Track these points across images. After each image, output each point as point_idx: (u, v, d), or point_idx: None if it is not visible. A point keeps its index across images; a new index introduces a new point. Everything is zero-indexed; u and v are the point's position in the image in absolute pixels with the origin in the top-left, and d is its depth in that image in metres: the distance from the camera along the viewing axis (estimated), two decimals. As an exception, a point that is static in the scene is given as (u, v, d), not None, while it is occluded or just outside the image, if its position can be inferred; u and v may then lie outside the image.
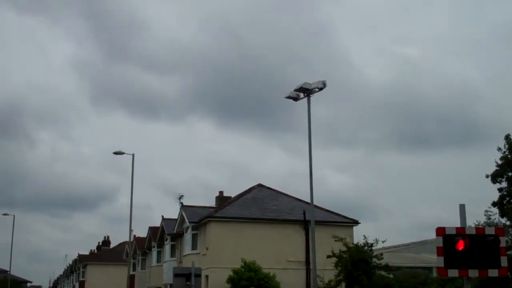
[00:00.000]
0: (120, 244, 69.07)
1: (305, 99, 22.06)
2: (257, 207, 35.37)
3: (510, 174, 29.86)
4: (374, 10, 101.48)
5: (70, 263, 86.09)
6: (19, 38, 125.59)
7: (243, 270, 29.75)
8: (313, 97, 21.98)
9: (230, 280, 29.56)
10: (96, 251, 76.55)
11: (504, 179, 29.95)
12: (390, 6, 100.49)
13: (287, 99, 22.40)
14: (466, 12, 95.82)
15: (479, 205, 33.16)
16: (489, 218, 29.23)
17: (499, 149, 29.29)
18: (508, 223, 29.56)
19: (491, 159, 30.35)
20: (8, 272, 67.45)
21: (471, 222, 33.93)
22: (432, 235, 9.92)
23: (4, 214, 57.61)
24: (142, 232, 49.32)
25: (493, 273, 9.44)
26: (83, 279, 69.78)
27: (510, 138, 30.15)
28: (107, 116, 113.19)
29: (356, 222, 35.11)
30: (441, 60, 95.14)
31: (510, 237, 26.83)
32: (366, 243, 26.22)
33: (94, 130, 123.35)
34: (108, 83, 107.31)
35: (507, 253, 11.00)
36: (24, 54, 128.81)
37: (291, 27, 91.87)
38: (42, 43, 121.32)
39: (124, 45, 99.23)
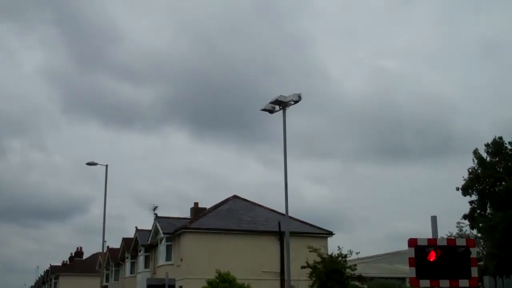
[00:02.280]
0: (93, 255, 68.24)
1: (281, 111, 22.24)
2: (232, 218, 35.39)
3: (479, 187, 30.55)
4: (352, 23, 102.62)
5: (42, 274, 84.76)
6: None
7: (217, 281, 29.65)
8: (290, 109, 22.17)
9: (205, 291, 29.46)
10: (68, 262, 75.42)
11: (474, 192, 30.64)
12: (368, 19, 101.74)
13: (263, 111, 22.56)
14: (443, 25, 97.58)
15: (453, 216, 33.75)
16: (461, 230, 29.86)
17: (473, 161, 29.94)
18: (479, 235, 30.18)
19: (465, 171, 31.01)
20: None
21: (444, 233, 34.51)
22: (405, 246, 10.12)
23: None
24: (116, 243, 48.94)
25: (463, 283, 9.67)
26: (55, 290, 68.79)
27: (478, 153, 30.89)
28: (80, 126, 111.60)
29: (330, 233, 35.37)
30: (418, 73, 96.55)
31: (481, 248, 27.38)
32: (340, 254, 26.39)
33: (66, 140, 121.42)
34: (80, 92, 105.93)
35: (478, 264, 11.25)
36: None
37: (268, 38, 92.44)
38: (13, 50, 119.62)
39: (98, 54, 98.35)
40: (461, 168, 62.15)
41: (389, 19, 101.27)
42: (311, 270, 26.07)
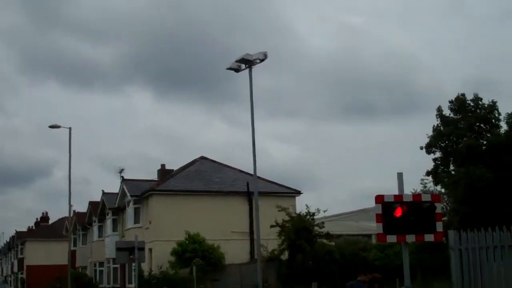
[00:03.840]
0: (59, 220, 67.65)
1: (247, 70, 22.03)
2: (201, 179, 35.38)
3: (442, 144, 31.08)
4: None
5: (7, 241, 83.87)
6: None
7: (187, 242, 29.86)
8: (256, 68, 21.95)
9: (174, 252, 29.63)
10: (34, 228, 74.75)
11: (438, 149, 31.16)
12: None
13: (229, 70, 22.31)
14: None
15: (418, 173, 34.30)
16: (425, 187, 30.42)
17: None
18: (442, 190, 30.85)
19: (430, 129, 31.45)
20: None
21: (408, 190, 35.10)
22: (372, 204, 10.23)
23: None
24: (82, 207, 48.55)
25: (429, 237, 9.88)
26: (21, 256, 68.23)
27: (441, 110, 31.29)
28: (39, 87, 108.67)
29: (298, 193, 35.74)
30: (385, 30, 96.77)
31: (444, 204, 28.03)
32: (308, 213, 26.78)
33: (25, 102, 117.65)
34: (38, 52, 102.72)
35: (442, 219, 11.50)
36: None
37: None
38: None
39: (55, 12, 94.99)
40: (425, 125, 63.19)
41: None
42: (280, 229, 26.42)
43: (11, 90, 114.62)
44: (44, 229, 70.16)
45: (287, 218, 26.50)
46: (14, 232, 74.14)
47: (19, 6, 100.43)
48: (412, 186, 29.07)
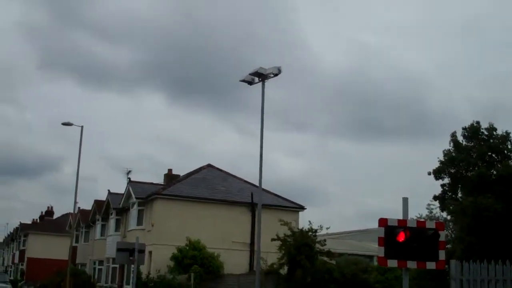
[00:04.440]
0: (63, 215, 67.88)
1: (260, 83, 22.02)
2: (206, 187, 35.34)
3: (452, 170, 30.79)
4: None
5: (11, 232, 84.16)
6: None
7: (187, 248, 29.79)
8: (269, 80, 21.95)
9: (174, 257, 29.57)
10: (38, 221, 75.00)
11: (446, 175, 30.87)
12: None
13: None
14: (425, 1, 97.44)
15: (424, 197, 34.06)
16: (431, 212, 30.13)
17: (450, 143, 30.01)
18: (448, 217, 30.55)
19: (440, 151, 31.22)
20: None
21: (414, 214, 34.83)
22: (375, 224, 10.09)
23: None
24: (86, 205, 48.62)
25: (431, 265, 9.70)
26: (23, 248, 68.43)
27: (455, 136, 31.05)
28: (55, 84, 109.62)
29: (302, 208, 35.59)
30: (397, 49, 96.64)
31: (449, 231, 27.75)
32: (311, 229, 26.57)
33: (40, 97, 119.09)
34: (57, 49, 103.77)
35: (446, 246, 11.35)
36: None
37: (250, 7, 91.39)
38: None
39: (76, 11, 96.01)
40: (434, 147, 62.77)
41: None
42: (281, 243, 26.24)
43: (27, 84, 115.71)
44: (47, 223, 70.39)
45: (289, 232, 26.33)
46: (18, 223, 74.47)
47: (43, 3, 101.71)
48: (418, 210, 28.86)
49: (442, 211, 30.85)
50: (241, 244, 32.65)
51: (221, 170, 38.36)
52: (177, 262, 29.42)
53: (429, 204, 30.41)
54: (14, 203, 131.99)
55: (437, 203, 30.74)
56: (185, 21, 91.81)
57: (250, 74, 21.64)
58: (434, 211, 30.18)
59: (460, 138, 31.09)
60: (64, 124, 35.00)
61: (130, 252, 21.19)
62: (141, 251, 21.56)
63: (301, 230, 26.92)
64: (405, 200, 9.82)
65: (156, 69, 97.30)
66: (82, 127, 35.11)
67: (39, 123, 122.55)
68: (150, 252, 30.90)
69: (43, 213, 75.76)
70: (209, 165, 38.52)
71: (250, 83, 21.98)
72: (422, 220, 22.96)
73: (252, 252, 31.45)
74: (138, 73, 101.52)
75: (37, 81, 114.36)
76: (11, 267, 77.64)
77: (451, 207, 29.92)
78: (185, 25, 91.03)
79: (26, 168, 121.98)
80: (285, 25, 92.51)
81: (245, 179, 37.03)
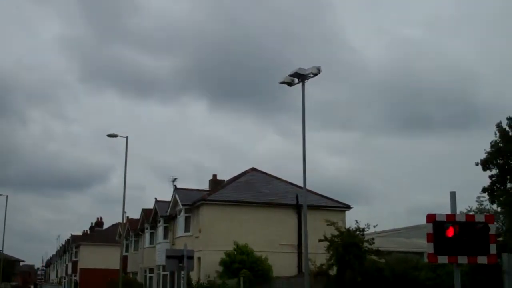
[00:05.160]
0: (113, 225, 69.26)
1: (300, 84, 22.00)
2: (250, 191, 35.50)
3: (500, 161, 30.08)
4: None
5: (63, 244, 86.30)
6: (7, 16, 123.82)
7: (235, 253, 29.96)
8: (309, 80, 21.89)
9: (223, 262, 29.78)
10: (89, 232, 76.74)
11: (494, 166, 30.17)
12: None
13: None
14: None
15: (474, 190, 33.37)
16: (481, 204, 29.53)
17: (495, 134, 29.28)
18: (498, 209, 29.86)
19: (487, 144, 30.52)
20: (1, 251, 67.61)
21: (463, 207, 34.18)
22: (424, 220, 10.03)
23: (-2, 194, 57.64)
24: (135, 214, 49.57)
25: (482, 260, 9.57)
26: (76, 259, 70.09)
27: (501, 126, 30.28)
28: (98, 96, 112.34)
29: (348, 207, 35.33)
30: (441, 42, 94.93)
31: (500, 224, 27.11)
32: (358, 228, 26.32)
33: (85, 110, 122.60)
34: (99, 62, 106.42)
35: (497, 239, 11.13)
36: (13, 33, 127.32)
37: (288, 6, 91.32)
38: (31, 20, 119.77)
39: (116, 24, 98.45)
40: (482, 139, 61.35)
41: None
42: (328, 243, 26.11)
43: (72, 98, 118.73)
44: (98, 234, 71.90)
45: (336, 232, 26.17)
46: (70, 235, 76.34)
47: (83, 18, 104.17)
48: (468, 203, 28.30)
49: (492, 203, 30.21)
50: (288, 246, 32.65)
51: (265, 173, 38.47)
52: (226, 266, 29.64)
53: (478, 197, 29.86)
54: (65, 215, 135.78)
55: (486, 196, 30.10)
56: (224, 26, 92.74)
57: (289, 75, 21.64)
58: (484, 204, 29.56)
59: (506, 128, 30.38)
60: (109, 135, 35.85)
61: (179, 259, 21.50)
62: (190, 258, 21.84)
63: (348, 229, 26.71)
64: (453, 194, 9.71)
65: (197, 75, 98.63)
66: (127, 137, 35.91)
67: (85, 136, 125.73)
68: (199, 258, 31.21)
69: (93, 224, 77.46)
70: (253, 169, 38.67)
71: (290, 84, 21.97)
72: (471, 214, 22.51)
73: (299, 254, 31.41)
74: (179, 80, 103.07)
75: (81, 94, 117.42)
76: (64, 278, 79.62)
77: (501, 199, 29.28)
78: (224, 29, 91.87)
79: (74, 180, 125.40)
80: (325, 23, 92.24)
81: (290, 180, 37.04)
